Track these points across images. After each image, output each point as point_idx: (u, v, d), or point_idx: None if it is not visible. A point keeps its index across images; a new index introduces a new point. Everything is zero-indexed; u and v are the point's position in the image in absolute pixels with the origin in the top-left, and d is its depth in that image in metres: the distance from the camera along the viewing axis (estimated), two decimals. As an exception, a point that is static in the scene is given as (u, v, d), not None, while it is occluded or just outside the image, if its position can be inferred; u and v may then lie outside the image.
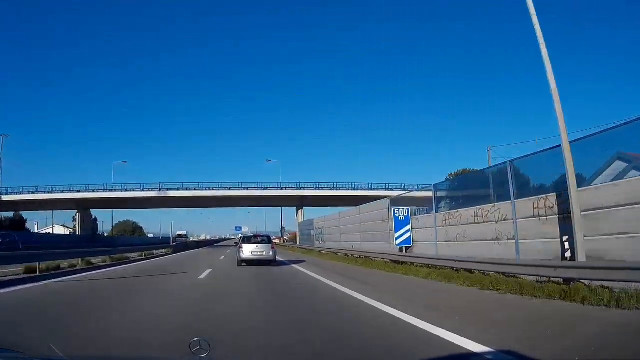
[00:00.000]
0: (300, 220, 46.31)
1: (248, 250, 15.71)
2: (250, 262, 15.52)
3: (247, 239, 16.56)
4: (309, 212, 48.59)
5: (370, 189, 47.86)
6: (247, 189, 44.72)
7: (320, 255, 24.89)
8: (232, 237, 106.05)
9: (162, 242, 42.67)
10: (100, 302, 7.32)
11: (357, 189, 47.47)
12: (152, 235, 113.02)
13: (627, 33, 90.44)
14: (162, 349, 4.05)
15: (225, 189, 44.32)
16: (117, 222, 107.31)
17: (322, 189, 46.32)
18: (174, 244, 36.46)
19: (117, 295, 8.31)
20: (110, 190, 45.72)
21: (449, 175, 56.81)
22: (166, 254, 29.52)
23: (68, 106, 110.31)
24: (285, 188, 45.31)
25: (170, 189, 44.29)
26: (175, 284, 10.29)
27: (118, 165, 58.04)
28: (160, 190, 44.15)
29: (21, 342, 3.98)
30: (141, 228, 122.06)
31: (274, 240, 24.27)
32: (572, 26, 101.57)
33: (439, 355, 3.77)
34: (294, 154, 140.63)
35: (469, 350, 3.87)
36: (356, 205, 28.16)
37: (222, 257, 23.75)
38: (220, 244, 79.69)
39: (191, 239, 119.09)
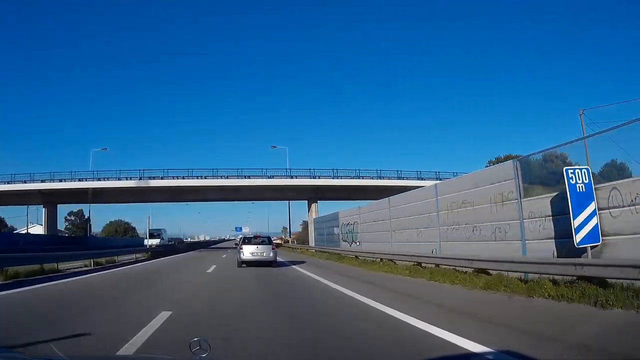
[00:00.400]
0: (314, 216, 37.65)
1: (248, 252, 15.56)
2: (250, 263, 15.47)
3: (247, 240, 16.30)
4: (323, 208, 40.03)
5: (399, 178, 39.34)
6: (248, 177, 36.09)
7: (364, 265, 16.29)
8: (232, 237, 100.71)
9: (138, 245, 33.94)
10: None
11: (383, 177, 38.86)
12: None
13: (627, 33, 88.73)
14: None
15: (221, 177, 35.71)
16: (109, 222, 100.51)
17: (341, 177, 37.69)
18: (153, 246, 27.70)
19: None
20: (80, 180, 37.07)
21: (489, 162, 49.71)
22: (136, 261, 21.00)
23: (68, 105, 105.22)
24: (296, 177, 36.68)
25: (154, 178, 35.63)
26: None
27: (97, 154, 49.46)
28: (140, 179, 35.51)
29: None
30: (134, 228, 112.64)
31: (275, 241, 23.01)
32: (572, 26, 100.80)
33: None
34: (303, 144, 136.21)
35: None
36: (381, 198, 19.77)
37: (211, 269, 15.07)
38: (218, 245, 71.14)
39: (188, 239, 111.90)
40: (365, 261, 16.99)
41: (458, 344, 4.02)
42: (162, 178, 35.44)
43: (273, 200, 47.83)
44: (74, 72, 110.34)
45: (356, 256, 19.05)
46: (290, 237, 48.12)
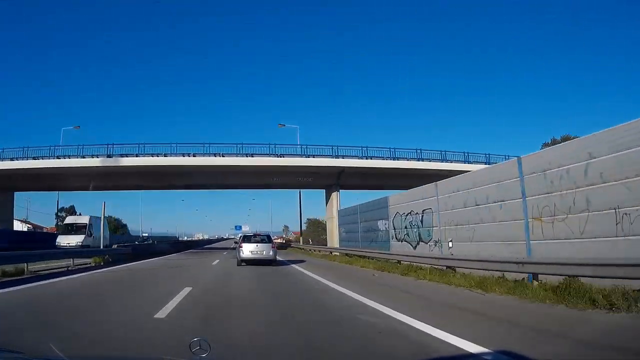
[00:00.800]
0: (336, 208, 29.31)
1: (248, 250, 15.48)
2: (250, 262, 15.28)
3: (246, 238, 16.40)
4: (345, 199, 31.62)
5: (443, 161, 31.09)
6: (251, 155, 27.68)
7: (518, 293, 7.76)
8: (232, 236, 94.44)
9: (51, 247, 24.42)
10: None
11: (423, 159, 30.55)
12: (146, 235, 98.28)
13: (627, 33, 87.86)
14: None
15: (215, 154, 27.32)
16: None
17: (372, 157, 29.25)
18: (71, 245, 19.42)
19: None
20: (35, 158, 28.73)
21: (544, 144, 42.44)
22: (67, 271, 12.92)
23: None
24: (314, 155, 28.27)
25: (127, 155, 27.24)
26: None
27: (69, 133, 41.53)
28: (109, 156, 27.14)
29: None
30: (125, 226, 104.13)
31: (275, 240, 23.27)
32: (572, 26, 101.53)
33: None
34: (316, 125, 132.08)
35: None
36: (420, 185, 15.00)
37: (169, 309, 6.41)
38: (215, 245, 63.02)
39: (185, 238, 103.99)
40: (494, 279, 8.64)
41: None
42: (137, 155, 27.08)
43: (282, 189, 39.30)
44: (74, 72, 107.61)
45: (449, 267, 10.72)
46: (301, 234, 39.59)
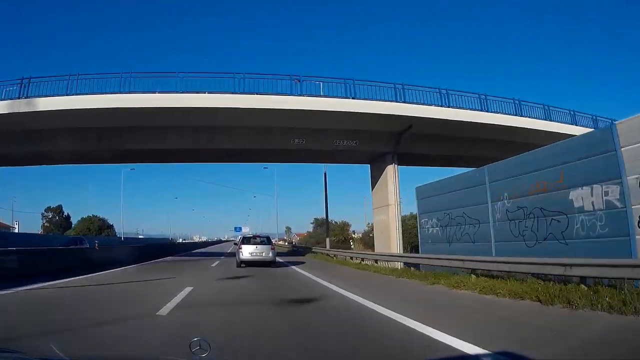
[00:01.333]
0: (395, 189, 18.78)
1: (247, 251, 16.07)
2: (249, 263, 15.89)
3: (246, 240, 16.87)
4: (404, 179, 20.84)
5: (546, 118, 20.96)
6: (258, 93, 16.86)
7: None
8: (232, 238, 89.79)
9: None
10: None
11: (522, 114, 20.16)
12: (142, 237, 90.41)
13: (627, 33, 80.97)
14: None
15: (198, 92, 16.59)
16: (81, 218, 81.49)
17: (454, 107, 18.52)
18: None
19: None
20: None
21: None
22: None
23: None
24: (363, 98, 17.53)
25: (55, 96, 16.63)
26: None
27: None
28: (24, 96, 16.65)
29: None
30: (111, 226, 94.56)
31: (277, 243, 22.84)
32: (572, 26, 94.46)
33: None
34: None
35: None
36: (509, 157, 10.65)
37: None
38: (210, 248, 52.58)
39: (180, 240, 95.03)
40: None
41: None
42: (67, 94, 16.52)
43: (304, 163, 27.53)
44: (74, 71, 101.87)
45: None
46: (327, 235, 28.85)
